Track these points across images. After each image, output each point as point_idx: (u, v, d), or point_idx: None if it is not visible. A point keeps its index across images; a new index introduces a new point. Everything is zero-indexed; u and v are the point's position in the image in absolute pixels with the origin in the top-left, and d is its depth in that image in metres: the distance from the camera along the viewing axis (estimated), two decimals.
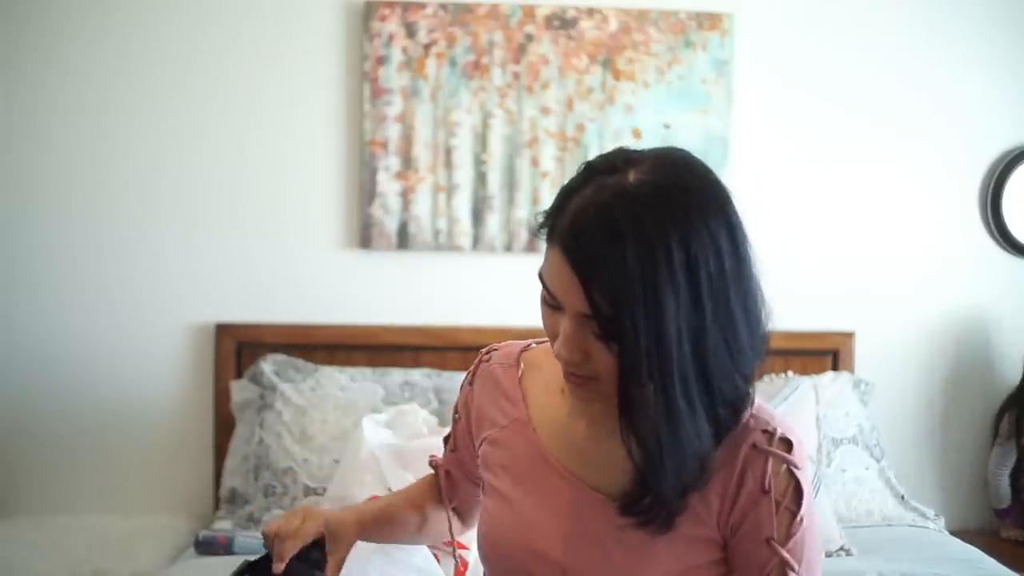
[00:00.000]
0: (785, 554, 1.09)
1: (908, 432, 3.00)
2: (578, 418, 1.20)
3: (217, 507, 2.70)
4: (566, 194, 1.07)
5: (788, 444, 1.12)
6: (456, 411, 1.37)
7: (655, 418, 1.03)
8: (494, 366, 1.32)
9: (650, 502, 1.08)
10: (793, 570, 1.09)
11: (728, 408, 1.09)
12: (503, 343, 1.36)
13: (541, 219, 1.11)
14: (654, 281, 0.99)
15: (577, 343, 1.06)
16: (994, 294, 3.03)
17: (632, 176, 1.03)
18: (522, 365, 1.29)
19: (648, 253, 0.99)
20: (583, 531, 1.14)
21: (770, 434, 1.12)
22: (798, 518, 1.10)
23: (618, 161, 1.06)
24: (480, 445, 1.29)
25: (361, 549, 1.41)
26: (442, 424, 2.49)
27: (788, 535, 1.10)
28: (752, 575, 1.11)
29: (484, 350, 1.36)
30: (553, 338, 1.09)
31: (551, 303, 1.08)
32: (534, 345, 1.32)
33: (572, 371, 1.09)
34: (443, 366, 2.80)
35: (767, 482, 1.10)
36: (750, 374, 1.09)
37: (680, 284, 1.00)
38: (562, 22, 2.87)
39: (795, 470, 1.11)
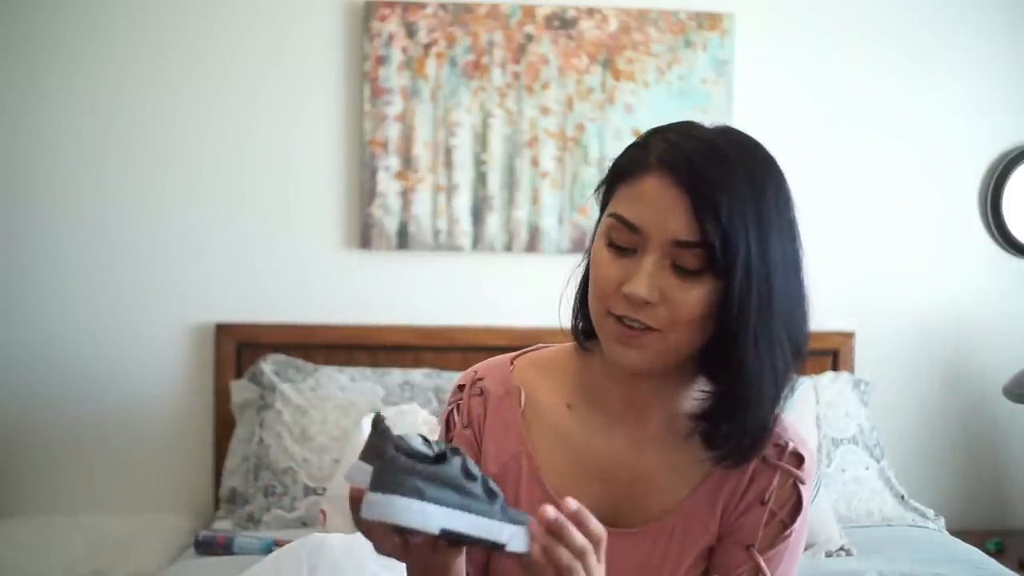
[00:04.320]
0: (761, 561, 1.10)
1: (908, 432, 3.00)
2: (591, 435, 1.15)
3: (217, 507, 2.70)
4: (646, 137, 1.08)
5: (799, 459, 1.12)
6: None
7: (750, 350, 1.03)
8: (489, 396, 1.18)
9: (737, 434, 1.07)
10: None
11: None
12: (482, 365, 1.22)
13: (614, 163, 1.09)
14: (763, 209, 1.03)
15: (657, 280, 1.02)
16: (994, 294, 3.03)
17: (715, 129, 1.07)
18: (523, 392, 1.17)
19: (758, 182, 1.04)
20: None
21: (781, 448, 1.12)
22: (788, 531, 1.11)
23: (687, 124, 1.09)
24: None
25: (360, 556, 1.39)
26: None
27: (772, 544, 1.11)
28: (723, 573, 1.11)
29: (466, 380, 1.21)
30: (613, 287, 1.04)
31: (623, 244, 1.05)
32: (514, 363, 1.21)
33: (636, 317, 1.03)
34: (443, 366, 2.80)
35: (767, 494, 1.11)
36: (801, 351, 1.09)
37: (781, 221, 1.05)
38: (562, 22, 2.87)
39: (800, 485, 1.11)
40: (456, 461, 0.92)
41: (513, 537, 0.92)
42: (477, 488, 0.92)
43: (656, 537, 1.12)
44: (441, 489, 0.90)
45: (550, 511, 0.92)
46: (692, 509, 1.12)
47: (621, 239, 1.05)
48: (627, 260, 1.04)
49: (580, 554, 0.92)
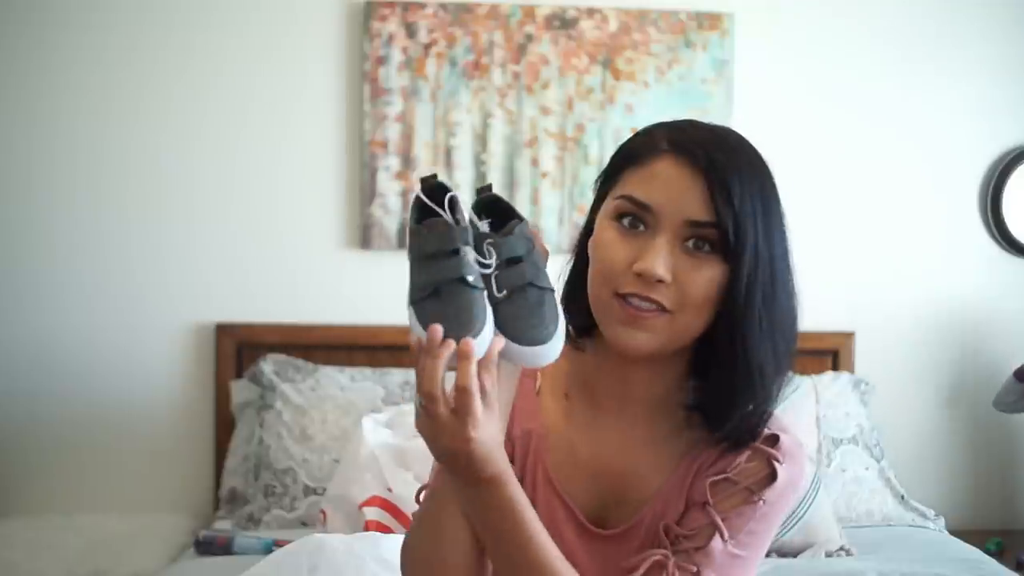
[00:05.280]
0: (717, 518, 1.07)
1: (908, 432, 3.00)
2: (584, 428, 1.16)
3: (217, 507, 2.70)
4: (649, 128, 1.12)
5: (774, 439, 1.12)
6: None
7: (756, 333, 1.05)
8: None
9: (744, 416, 1.08)
10: (722, 536, 1.07)
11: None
12: None
13: (620, 149, 1.12)
14: (766, 196, 1.07)
15: (669, 260, 1.04)
16: (994, 294, 3.03)
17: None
18: (539, 374, 1.19)
19: (759, 172, 1.08)
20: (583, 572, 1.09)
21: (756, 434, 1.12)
22: (756, 498, 1.09)
23: (686, 120, 1.14)
24: None
25: (360, 556, 1.39)
26: None
27: (733, 506, 1.09)
28: (683, 530, 1.09)
29: None
30: (623, 266, 1.05)
31: (632, 225, 1.06)
32: None
33: (647, 295, 1.04)
34: None
35: (730, 467, 1.10)
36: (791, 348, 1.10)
37: (779, 211, 1.09)
38: (562, 22, 2.87)
39: (775, 463, 1.10)
40: (459, 257, 0.97)
41: (413, 322, 0.97)
42: (467, 267, 0.97)
43: (637, 534, 1.13)
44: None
45: (424, 333, 0.93)
46: (667, 495, 1.13)
47: (630, 220, 1.06)
48: (636, 240, 1.05)
49: (427, 392, 0.93)
